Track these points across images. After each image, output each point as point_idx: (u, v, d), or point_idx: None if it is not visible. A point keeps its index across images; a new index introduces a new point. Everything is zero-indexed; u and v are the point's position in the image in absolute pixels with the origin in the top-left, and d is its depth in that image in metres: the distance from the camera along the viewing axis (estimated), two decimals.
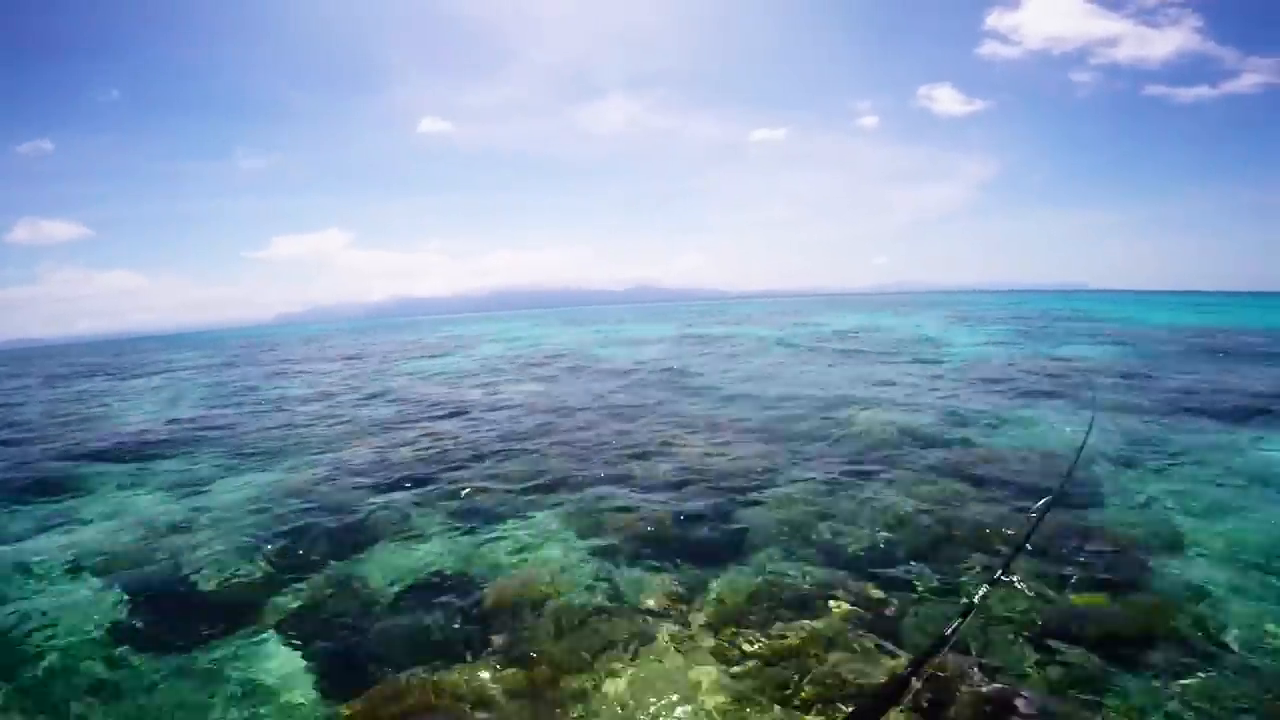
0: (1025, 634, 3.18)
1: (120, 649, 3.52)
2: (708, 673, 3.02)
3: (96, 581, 4.37)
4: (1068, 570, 3.80)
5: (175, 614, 3.91)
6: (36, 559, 4.81)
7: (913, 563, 4.04)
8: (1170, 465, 5.89)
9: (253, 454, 7.97)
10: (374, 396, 12.76)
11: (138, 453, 8.56)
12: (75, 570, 4.59)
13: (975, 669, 2.90)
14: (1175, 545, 4.18)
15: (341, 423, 9.81)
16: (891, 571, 3.93)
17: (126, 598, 4.10)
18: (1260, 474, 5.52)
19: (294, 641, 3.52)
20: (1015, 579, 3.61)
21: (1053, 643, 3.09)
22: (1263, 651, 3.00)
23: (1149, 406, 8.36)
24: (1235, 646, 3.04)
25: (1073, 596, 3.54)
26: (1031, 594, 3.54)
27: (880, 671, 2.93)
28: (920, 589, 3.70)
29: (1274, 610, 3.33)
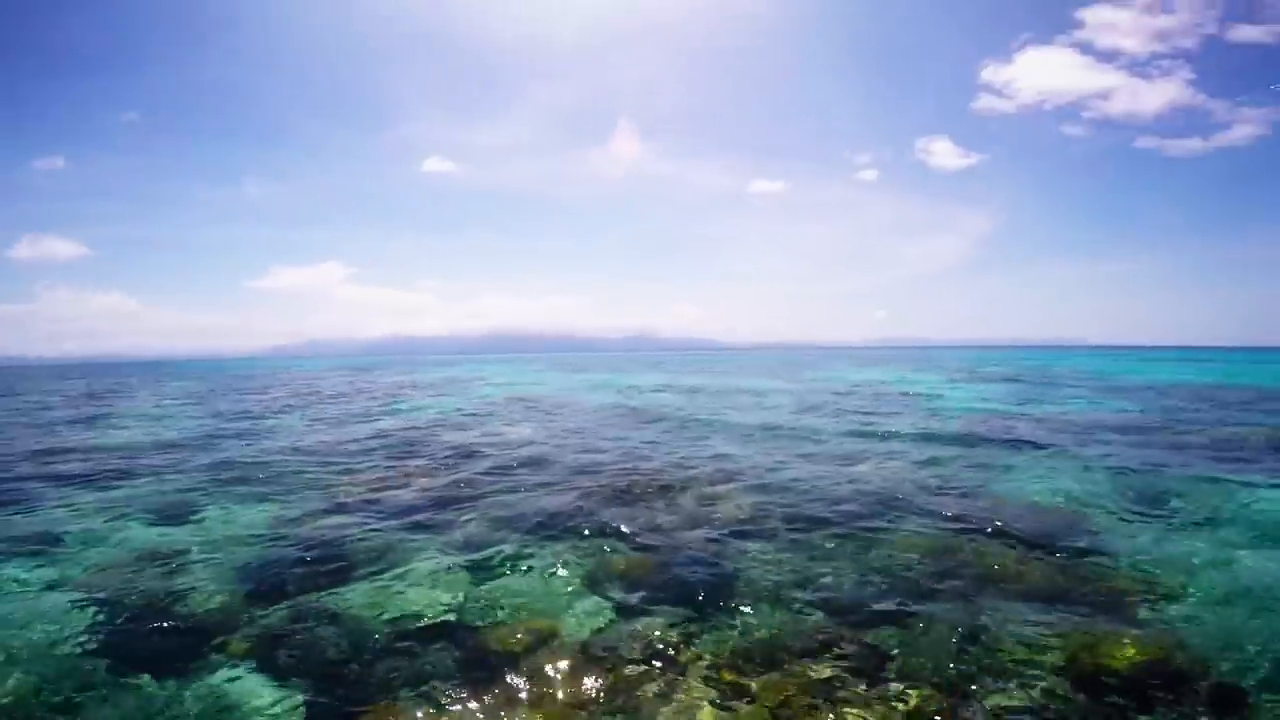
0: (1024, 674, 3.15)
1: (94, 672, 3.39)
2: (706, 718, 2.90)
3: (72, 603, 4.22)
4: (1067, 613, 3.79)
5: (153, 639, 3.77)
6: (11, 578, 4.68)
7: (913, 611, 3.95)
8: (1170, 514, 5.93)
9: (242, 485, 7.82)
10: (370, 434, 12.63)
11: (124, 475, 8.41)
12: (51, 590, 4.45)
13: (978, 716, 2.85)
14: (1174, 590, 4.20)
15: (335, 458, 9.66)
16: (892, 621, 3.83)
17: (102, 621, 3.97)
18: (1256, 522, 5.64)
19: (277, 674, 3.38)
20: (1013, 623, 3.65)
21: (1051, 683, 3.08)
22: (1257, 689, 3.02)
23: (1146, 459, 8.36)
24: (1231, 684, 3.09)
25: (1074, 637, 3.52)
26: (1029, 636, 3.52)
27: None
28: (921, 638, 3.59)
29: (1269, 651, 3.38)
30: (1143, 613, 3.89)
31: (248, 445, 11.08)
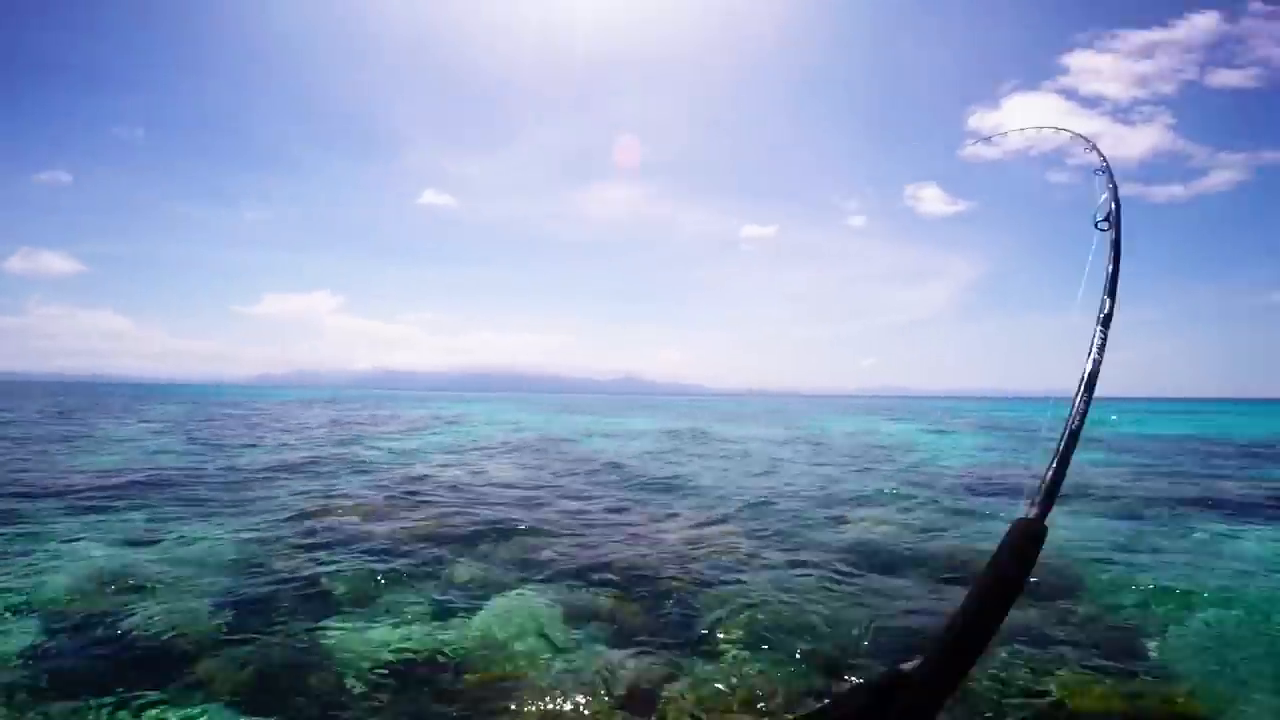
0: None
1: (54, 705, 3.23)
2: None
3: (34, 630, 4.07)
4: (1056, 653, 3.86)
5: (117, 670, 3.60)
6: None
7: (897, 657, 3.96)
8: (1156, 557, 6.07)
9: (216, 513, 7.62)
10: (350, 468, 12.47)
11: (103, 498, 8.26)
12: (12, 615, 4.29)
13: None
14: (1158, 630, 4.28)
15: (313, 491, 9.46)
16: (877, 668, 3.82)
17: (65, 649, 3.83)
18: (1240, 566, 5.81)
19: (246, 711, 3.25)
20: (994, 670, 3.66)
21: None
22: None
23: (1123, 509, 8.49)
24: None
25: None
26: (1021, 678, 3.55)
27: None
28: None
29: (1248, 690, 3.48)
30: (1120, 658, 3.94)
31: (225, 474, 10.86)
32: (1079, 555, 6.33)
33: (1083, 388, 1.02)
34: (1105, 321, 1.04)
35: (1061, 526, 7.70)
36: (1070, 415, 1.01)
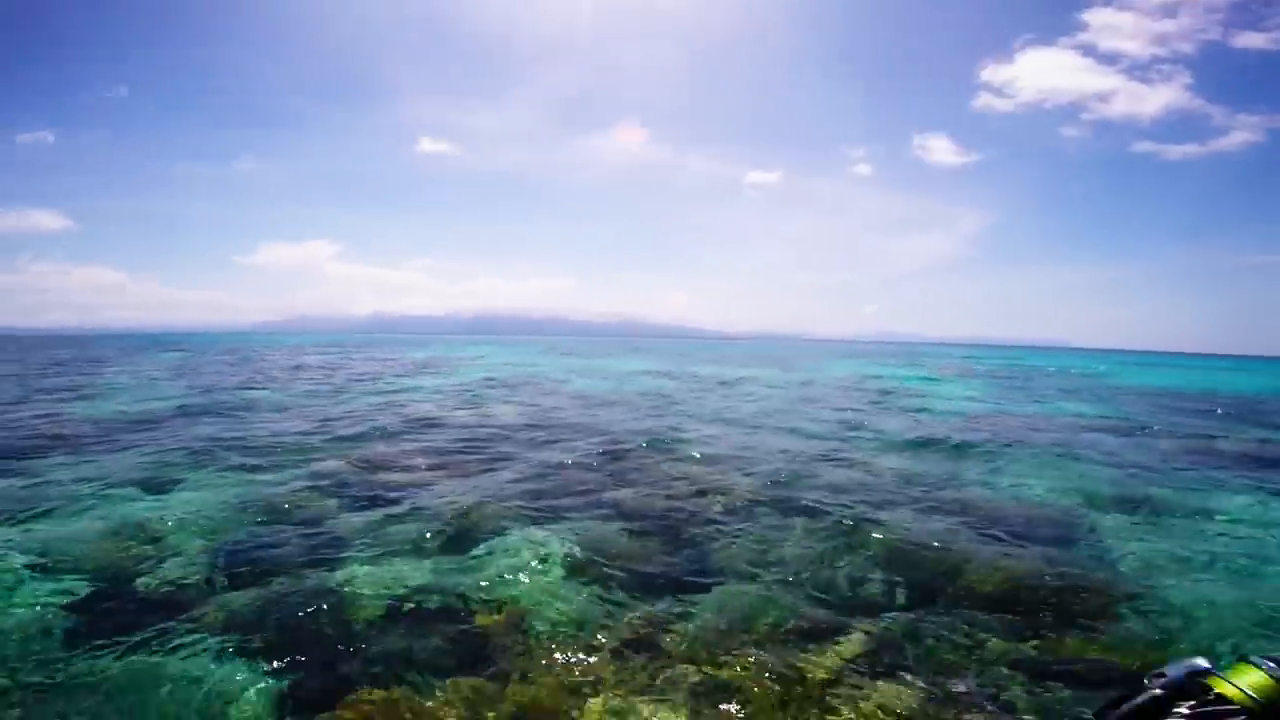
0: (1021, 678, 3.18)
1: (66, 649, 3.31)
2: (693, 702, 2.89)
3: (45, 576, 4.13)
4: (1057, 618, 3.84)
5: (128, 616, 3.67)
6: None
7: (898, 606, 3.99)
8: (1154, 518, 5.98)
9: (223, 459, 7.65)
10: (354, 412, 12.50)
11: (102, 446, 8.29)
12: (23, 563, 4.32)
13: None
14: (1155, 594, 4.23)
15: (322, 435, 9.50)
16: (877, 614, 3.84)
17: (76, 595, 3.88)
18: (1236, 529, 5.73)
19: (255, 654, 3.29)
20: (988, 620, 3.74)
21: (1050, 684, 3.12)
22: None
23: (1128, 460, 8.48)
24: None
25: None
26: (1025, 641, 3.54)
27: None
28: (905, 633, 3.61)
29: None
30: (1112, 611, 3.95)
31: (230, 419, 10.92)
32: (1073, 503, 6.36)
33: None
34: None
35: (1063, 474, 7.71)
36: None
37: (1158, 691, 0.95)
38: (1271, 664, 0.91)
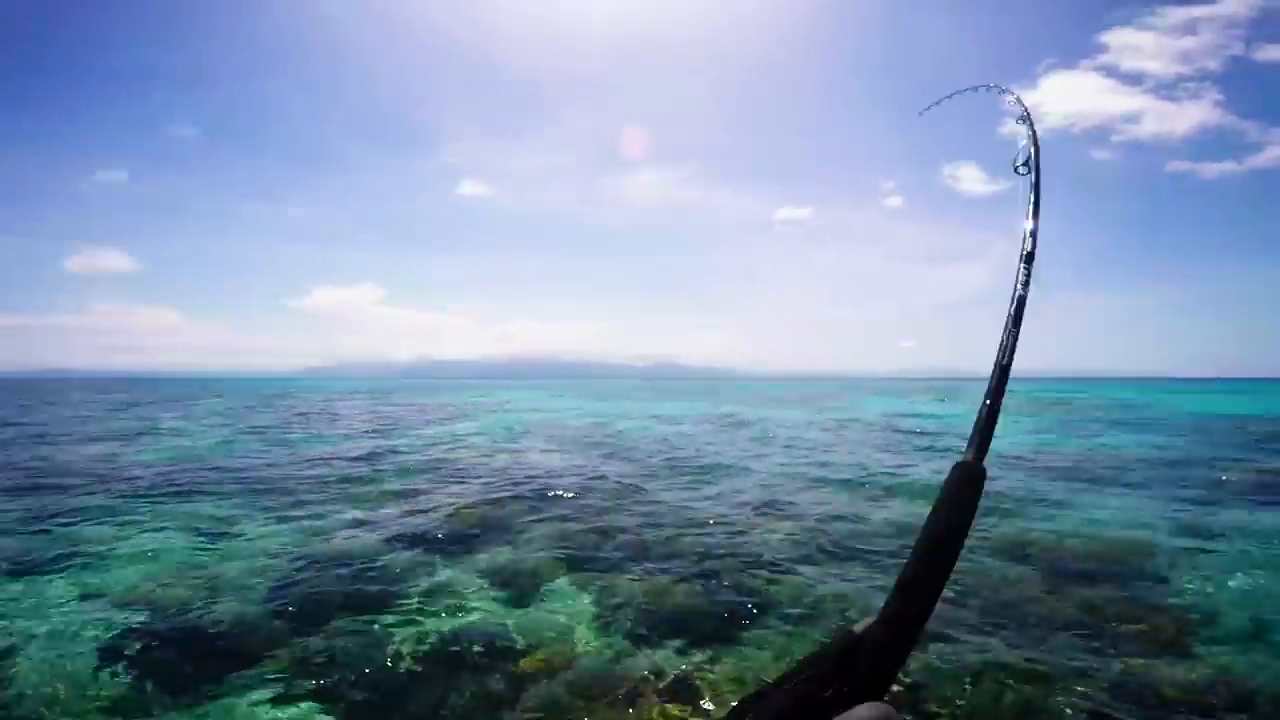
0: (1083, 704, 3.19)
1: (127, 690, 3.43)
2: None
3: (108, 618, 4.30)
4: (1119, 642, 3.86)
5: (186, 658, 3.81)
6: (49, 591, 4.79)
7: (943, 642, 3.93)
8: (1206, 549, 5.87)
9: (277, 503, 7.93)
10: (401, 458, 12.82)
11: (167, 490, 8.64)
12: (86, 604, 4.53)
13: None
14: (1214, 620, 4.20)
15: (367, 480, 9.76)
16: (922, 653, 3.76)
17: (137, 637, 4.03)
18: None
19: (308, 697, 3.40)
20: (1043, 655, 3.70)
21: (1110, 708, 3.15)
22: None
23: (1183, 495, 8.21)
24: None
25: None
26: (1084, 665, 3.54)
27: None
28: (949, 669, 3.59)
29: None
30: (1176, 646, 3.90)
31: (284, 464, 11.30)
32: (1130, 538, 6.20)
33: (1010, 323, 0.99)
34: (1028, 259, 1.03)
35: (1116, 507, 7.53)
36: (1000, 351, 0.98)
37: None
38: None
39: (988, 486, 0.96)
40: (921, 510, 6.58)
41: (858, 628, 0.92)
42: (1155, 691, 3.31)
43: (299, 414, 25.37)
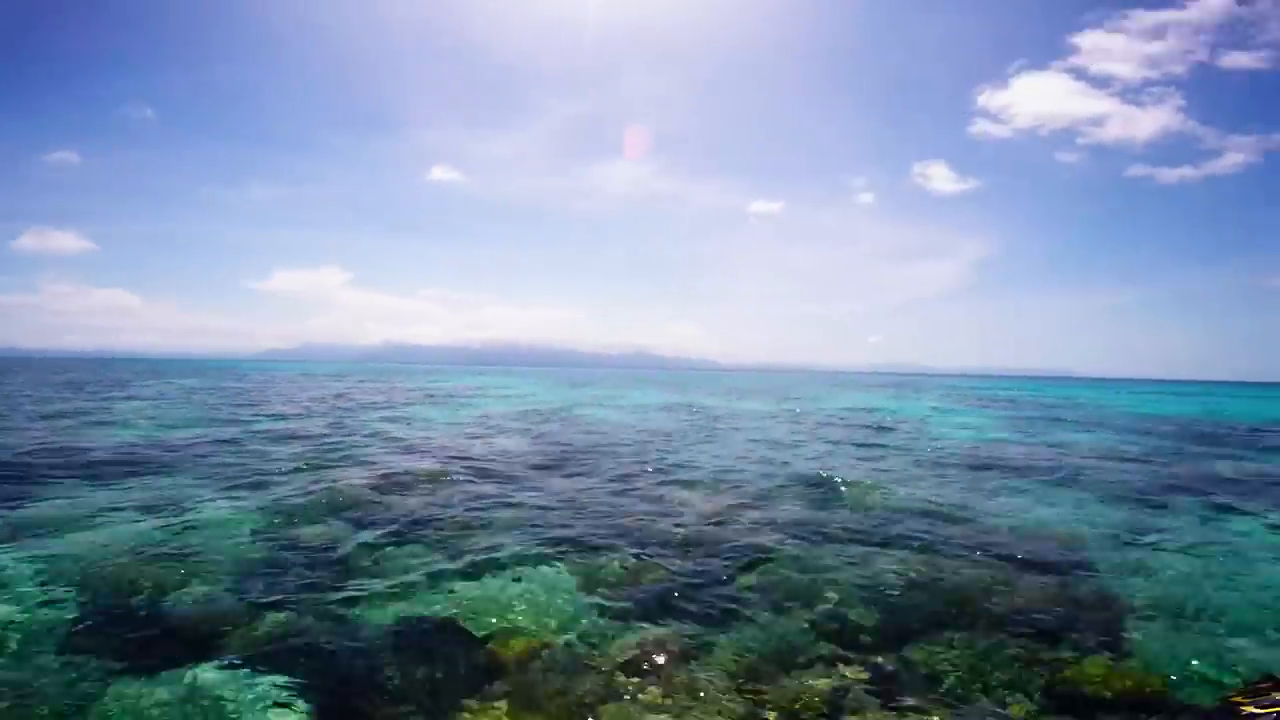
0: (1019, 695, 3.30)
1: (86, 674, 3.35)
2: None
3: (65, 601, 4.19)
4: (1055, 634, 3.97)
5: (148, 640, 3.73)
6: (2, 573, 4.62)
7: (911, 631, 4.02)
8: (1154, 541, 6.10)
9: (239, 484, 7.78)
10: (371, 437, 12.67)
11: (123, 469, 8.42)
12: (44, 587, 4.40)
13: None
14: (1156, 614, 4.36)
15: (333, 462, 9.61)
16: (891, 640, 3.88)
17: (96, 620, 3.94)
18: (1234, 552, 5.87)
19: (273, 678, 3.35)
20: (1004, 643, 3.82)
21: (1045, 701, 3.27)
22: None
23: (1131, 489, 8.51)
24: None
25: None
26: (1025, 657, 3.66)
27: None
28: (918, 657, 3.68)
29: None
30: (1120, 634, 4.04)
31: (245, 445, 11.05)
32: (1082, 532, 6.42)
33: None
34: None
35: (1069, 502, 7.76)
36: None
37: None
38: None
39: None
40: (879, 498, 6.62)
41: None
42: (1088, 685, 3.40)
43: (256, 396, 24.76)
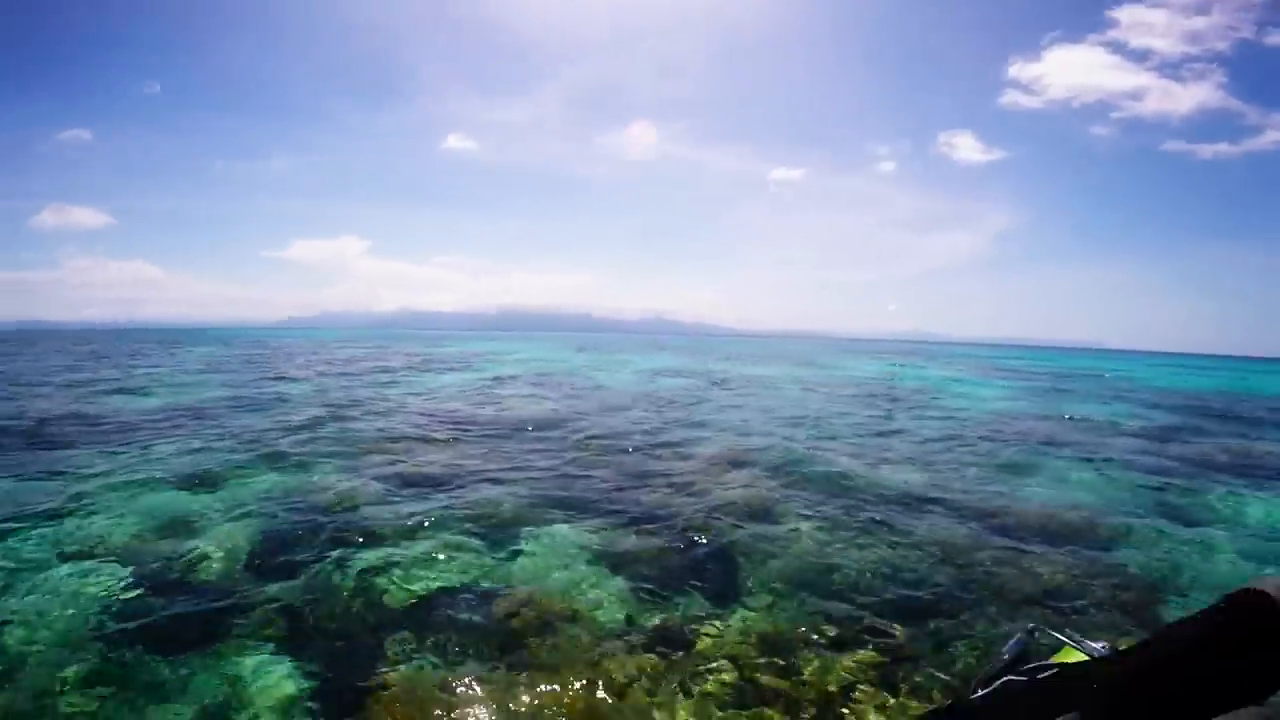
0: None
1: (108, 642, 3.41)
2: (719, 707, 2.95)
3: (88, 571, 4.27)
4: (1088, 614, 3.88)
5: (169, 609, 3.79)
6: (30, 544, 4.72)
7: (927, 608, 3.98)
8: (1181, 520, 5.97)
9: (260, 453, 7.85)
10: (387, 405, 12.73)
11: (144, 443, 8.53)
12: (68, 558, 4.48)
13: None
14: (1185, 592, 4.30)
15: (355, 430, 9.67)
16: (907, 618, 3.83)
17: (119, 589, 4.01)
18: (1265, 531, 5.78)
19: (292, 647, 3.41)
20: (1037, 625, 3.63)
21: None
22: None
23: (1160, 466, 8.34)
24: None
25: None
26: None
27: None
28: (934, 636, 3.63)
29: None
30: (1150, 613, 3.96)
31: (265, 413, 11.18)
32: (1108, 509, 6.29)
33: None
34: None
35: (1095, 479, 7.61)
36: None
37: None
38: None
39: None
40: (897, 473, 6.59)
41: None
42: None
43: (280, 363, 25.04)
